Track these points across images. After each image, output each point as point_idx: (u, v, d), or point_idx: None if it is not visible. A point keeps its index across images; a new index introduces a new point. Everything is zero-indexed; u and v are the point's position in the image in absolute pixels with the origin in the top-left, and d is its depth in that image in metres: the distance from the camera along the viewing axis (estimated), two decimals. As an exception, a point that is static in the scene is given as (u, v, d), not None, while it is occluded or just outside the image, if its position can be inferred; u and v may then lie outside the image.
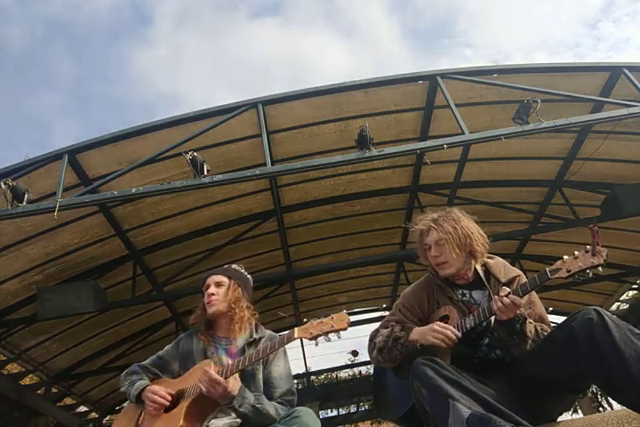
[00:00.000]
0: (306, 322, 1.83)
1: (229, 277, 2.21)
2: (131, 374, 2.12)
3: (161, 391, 1.94)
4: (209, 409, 1.90)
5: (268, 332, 2.20)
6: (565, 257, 1.72)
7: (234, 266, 2.32)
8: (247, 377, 1.99)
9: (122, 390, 2.10)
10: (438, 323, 1.85)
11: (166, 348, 2.23)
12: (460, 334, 1.81)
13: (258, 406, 1.86)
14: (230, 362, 1.95)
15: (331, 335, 1.77)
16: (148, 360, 2.21)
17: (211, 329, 2.17)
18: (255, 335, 2.12)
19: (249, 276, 2.33)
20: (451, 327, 1.82)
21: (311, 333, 1.78)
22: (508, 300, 1.74)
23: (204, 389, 1.82)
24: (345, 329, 1.76)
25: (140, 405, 2.01)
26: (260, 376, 2.03)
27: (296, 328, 1.83)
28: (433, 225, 2.00)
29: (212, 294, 2.14)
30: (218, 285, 2.18)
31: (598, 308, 1.63)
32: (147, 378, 2.09)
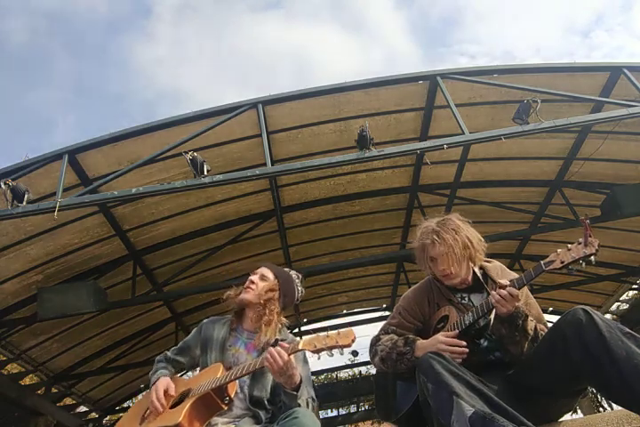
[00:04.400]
0: (312, 334, 1.80)
1: (277, 278, 2.19)
2: (157, 362, 2.19)
3: (160, 393, 1.96)
4: (211, 410, 1.90)
5: (290, 336, 2.16)
6: (559, 250, 1.73)
7: (293, 272, 2.27)
8: (257, 374, 1.98)
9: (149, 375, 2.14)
10: (441, 339, 1.82)
11: (192, 332, 2.24)
12: (465, 343, 1.79)
13: (309, 401, 1.86)
14: (247, 360, 1.98)
15: (334, 351, 1.75)
16: (176, 346, 2.24)
17: (239, 319, 2.17)
18: (278, 336, 2.07)
19: (300, 289, 2.25)
20: (456, 341, 1.80)
21: (315, 346, 1.76)
22: (504, 292, 1.75)
23: (274, 366, 1.75)
24: (349, 346, 1.73)
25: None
26: (270, 376, 1.99)
27: (302, 340, 1.82)
28: (436, 238, 1.96)
29: (252, 282, 2.14)
30: (262, 277, 2.17)
31: (587, 307, 1.61)
32: (170, 369, 2.13)
